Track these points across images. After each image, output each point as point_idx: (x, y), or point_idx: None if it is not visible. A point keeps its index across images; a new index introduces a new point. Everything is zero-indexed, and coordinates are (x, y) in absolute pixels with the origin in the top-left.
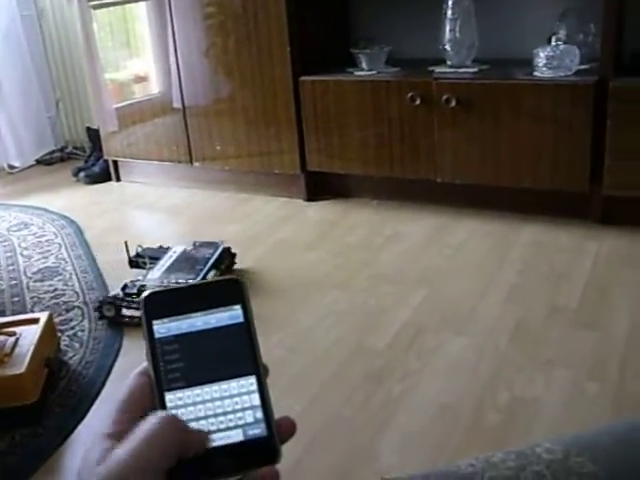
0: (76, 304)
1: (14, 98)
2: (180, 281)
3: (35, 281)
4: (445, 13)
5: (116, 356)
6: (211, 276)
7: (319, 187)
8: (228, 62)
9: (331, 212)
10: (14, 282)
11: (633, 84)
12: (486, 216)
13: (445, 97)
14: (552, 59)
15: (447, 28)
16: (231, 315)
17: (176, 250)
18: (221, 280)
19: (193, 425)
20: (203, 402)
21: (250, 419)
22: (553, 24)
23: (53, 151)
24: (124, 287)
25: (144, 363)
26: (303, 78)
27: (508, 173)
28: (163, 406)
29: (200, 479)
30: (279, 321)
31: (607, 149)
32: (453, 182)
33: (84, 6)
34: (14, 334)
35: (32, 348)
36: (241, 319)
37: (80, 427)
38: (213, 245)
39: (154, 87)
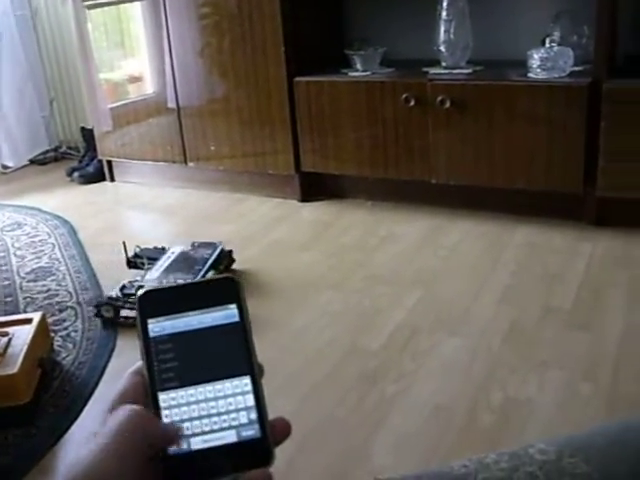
0: (69, 304)
1: (8, 98)
2: (179, 281)
3: (28, 281)
4: (440, 14)
5: (109, 357)
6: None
7: (313, 188)
8: (223, 62)
9: (325, 213)
10: (7, 282)
11: (626, 86)
12: (480, 217)
13: (440, 98)
14: (546, 61)
15: (442, 29)
16: (226, 314)
17: (174, 250)
18: (217, 279)
19: (187, 426)
20: (197, 402)
21: (244, 420)
22: (547, 26)
23: (47, 151)
24: (122, 288)
25: (139, 362)
26: (298, 79)
27: (502, 174)
28: (156, 406)
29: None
30: (273, 321)
31: (601, 150)
32: (447, 183)
33: (78, 6)
34: (7, 334)
35: (25, 348)
36: (236, 318)
37: (73, 427)
38: (212, 245)
39: (149, 87)
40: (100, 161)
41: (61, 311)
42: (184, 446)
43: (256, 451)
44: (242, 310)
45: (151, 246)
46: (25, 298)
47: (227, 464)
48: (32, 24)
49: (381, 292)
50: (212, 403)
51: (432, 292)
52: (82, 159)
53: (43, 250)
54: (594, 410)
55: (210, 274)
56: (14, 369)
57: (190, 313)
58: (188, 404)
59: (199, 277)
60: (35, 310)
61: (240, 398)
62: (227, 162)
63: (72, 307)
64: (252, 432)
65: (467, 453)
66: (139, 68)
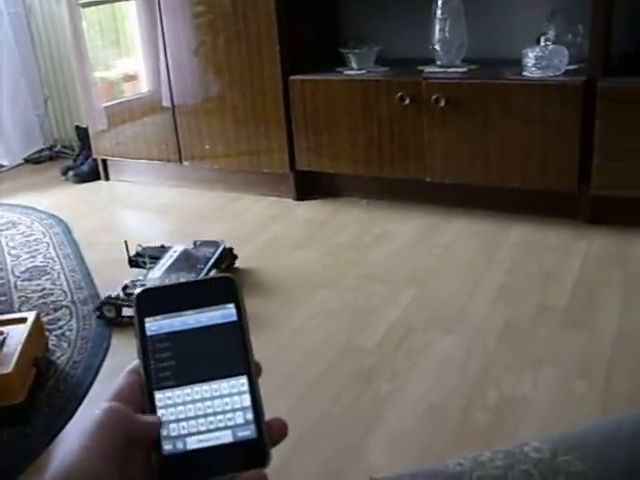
0: (64, 303)
1: (2, 96)
2: (181, 280)
3: (23, 280)
4: (434, 13)
5: (104, 356)
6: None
7: (308, 186)
8: (217, 61)
9: (320, 211)
10: (1, 281)
11: (621, 84)
12: (475, 216)
13: (434, 97)
14: (541, 59)
15: (436, 28)
16: (224, 314)
17: (176, 249)
18: (215, 278)
19: (182, 425)
20: (193, 402)
21: (240, 420)
22: (542, 24)
23: (42, 150)
24: (125, 287)
25: (135, 361)
26: (292, 77)
27: (497, 173)
28: (152, 405)
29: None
30: (268, 320)
31: (596, 149)
32: (442, 182)
33: (73, 4)
34: (1, 333)
35: (19, 348)
36: (234, 318)
37: (68, 427)
38: (214, 244)
39: (143, 86)
40: (95, 160)
41: (56, 310)
42: (180, 446)
43: (252, 452)
44: (240, 309)
45: (153, 245)
46: (20, 297)
47: (223, 464)
48: (26, 22)
49: (376, 290)
50: (208, 403)
51: (427, 290)
52: (77, 158)
53: (38, 249)
54: (589, 408)
55: (212, 273)
56: (8, 368)
57: (188, 312)
58: (184, 403)
59: (202, 276)
60: (30, 309)
61: (236, 398)
62: (222, 161)
63: (67, 306)
64: (248, 432)
65: (462, 451)
66: (134, 67)
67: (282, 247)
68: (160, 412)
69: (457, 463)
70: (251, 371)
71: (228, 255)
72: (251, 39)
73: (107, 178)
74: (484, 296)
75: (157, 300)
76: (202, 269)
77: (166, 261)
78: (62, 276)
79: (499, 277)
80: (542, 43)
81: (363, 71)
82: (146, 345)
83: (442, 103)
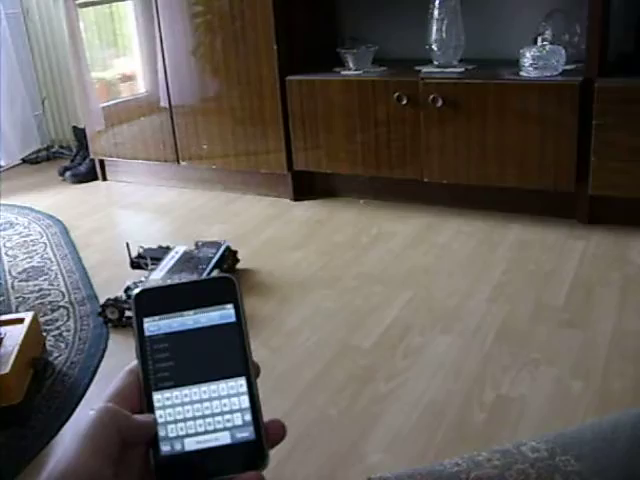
0: (61, 304)
1: None
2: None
3: (20, 281)
4: (432, 13)
5: (101, 357)
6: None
7: (306, 186)
8: (215, 61)
9: (318, 211)
10: None
11: (618, 84)
12: (473, 216)
13: (432, 97)
14: (538, 59)
15: (434, 28)
16: (223, 314)
17: (178, 250)
18: (214, 279)
19: (181, 426)
20: (191, 403)
21: (238, 422)
22: (539, 24)
23: (39, 150)
24: (127, 289)
25: (134, 361)
26: (290, 77)
27: (495, 173)
28: (150, 406)
29: None
30: (266, 320)
31: (593, 149)
32: (440, 182)
33: (70, 5)
34: None
35: (17, 348)
36: (233, 319)
37: (65, 428)
38: (215, 245)
39: (141, 86)
40: (92, 160)
41: (53, 311)
42: (178, 447)
43: (250, 453)
44: (239, 310)
45: (154, 246)
46: (17, 298)
47: (221, 466)
48: (24, 23)
49: (373, 290)
50: (207, 404)
51: (424, 290)
52: (74, 158)
53: (35, 250)
54: (585, 407)
55: (215, 273)
56: (6, 369)
57: (186, 312)
58: (182, 404)
59: (204, 277)
60: (27, 310)
61: (235, 399)
62: (219, 161)
63: (64, 307)
64: (246, 434)
65: (460, 451)
66: (131, 67)
67: (280, 247)
68: (158, 413)
69: (455, 463)
70: (250, 372)
71: (230, 255)
72: (248, 39)
73: (104, 178)
74: (481, 296)
75: (156, 300)
76: (204, 270)
77: (168, 262)
78: (59, 277)
79: (496, 277)
80: (539, 43)
81: (360, 71)
82: (144, 345)
83: (439, 103)
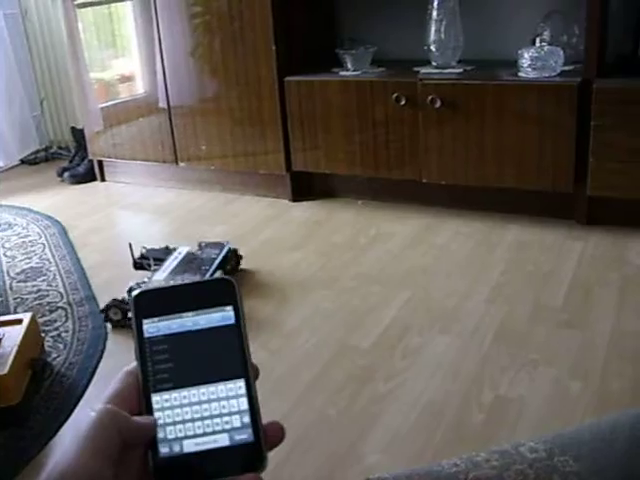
0: (60, 305)
1: None
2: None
3: (19, 282)
4: (430, 14)
5: (100, 358)
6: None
7: (304, 187)
8: (214, 62)
9: (316, 212)
10: None
11: (617, 85)
12: (471, 216)
13: (430, 98)
14: (536, 60)
15: (432, 29)
16: (222, 316)
17: (181, 251)
18: (213, 280)
19: (179, 428)
20: (190, 405)
21: (237, 424)
22: (537, 25)
23: (37, 151)
24: (130, 290)
25: (134, 362)
26: (288, 78)
27: (493, 173)
28: (149, 408)
29: None
30: (264, 321)
31: (591, 150)
32: (438, 182)
33: (69, 5)
34: None
35: (15, 349)
36: (232, 320)
37: (63, 429)
38: (218, 245)
39: (139, 87)
40: (91, 161)
41: (51, 312)
42: (176, 449)
43: (249, 455)
44: (238, 312)
45: (157, 246)
46: (15, 298)
47: (219, 468)
48: (22, 23)
49: (372, 291)
50: (205, 406)
51: (423, 291)
52: (73, 159)
53: (34, 250)
54: (584, 408)
55: (218, 274)
56: (4, 370)
57: (186, 314)
58: (181, 406)
59: (207, 277)
60: (25, 311)
61: (234, 401)
62: (218, 162)
63: (63, 308)
64: (245, 436)
65: (458, 451)
66: (130, 68)
67: (278, 248)
68: (157, 414)
69: (453, 463)
70: (249, 374)
71: (233, 256)
72: (247, 40)
73: (103, 179)
74: (480, 296)
75: (155, 302)
76: (207, 270)
77: (171, 263)
78: (58, 277)
79: (495, 277)
80: (537, 44)
81: (359, 72)
82: (144, 347)
83: (438, 104)
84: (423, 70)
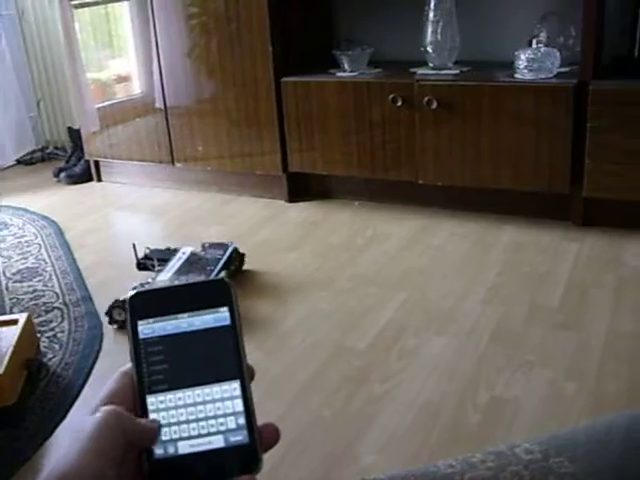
0: (56, 305)
1: None
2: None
3: (14, 282)
4: (427, 15)
5: (96, 358)
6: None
7: (301, 188)
8: (210, 63)
9: (313, 213)
10: None
11: (613, 87)
12: (467, 217)
13: (427, 99)
14: (533, 61)
15: (429, 30)
16: (218, 317)
17: (185, 251)
18: (209, 281)
19: (174, 429)
20: (185, 406)
21: (232, 425)
22: (534, 27)
23: (34, 151)
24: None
25: (129, 363)
26: (285, 79)
27: (489, 175)
28: (144, 409)
29: None
30: (260, 322)
31: (587, 151)
32: (434, 184)
33: (65, 5)
34: None
35: (11, 349)
36: (228, 322)
37: (59, 429)
38: (222, 246)
39: (136, 87)
40: (87, 161)
41: (47, 312)
42: (171, 450)
43: (244, 457)
44: (234, 313)
45: (162, 247)
46: (11, 299)
47: (214, 470)
48: (19, 24)
49: (368, 292)
50: (200, 407)
51: (419, 292)
52: (69, 159)
53: (29, 251)
54: (579, 409)
55: (222, 274)
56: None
57: (181, 315)
58: (176, 407)
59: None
60: (21, 311)
61: (229, 403)
62: (215, 163)
63: (58, 308)
64: (240, 438)
65: (454, 452)
66: (127, 68)
67: (275, 249)
68: (152, 416)
69: (449, 464)
70: (244, 376)
71: (237, 257)
72: (244, 41)
73: (99, 179)
74: (476, 297)
75: (150, 303)
76: (212, 271)
77: (175, 263)
78: (54, 278)
79: (491, 278)
80: (534, 45)
81: (355, 73)
82: (139, 348)
83: (434, 105)
84: (420, 71)
